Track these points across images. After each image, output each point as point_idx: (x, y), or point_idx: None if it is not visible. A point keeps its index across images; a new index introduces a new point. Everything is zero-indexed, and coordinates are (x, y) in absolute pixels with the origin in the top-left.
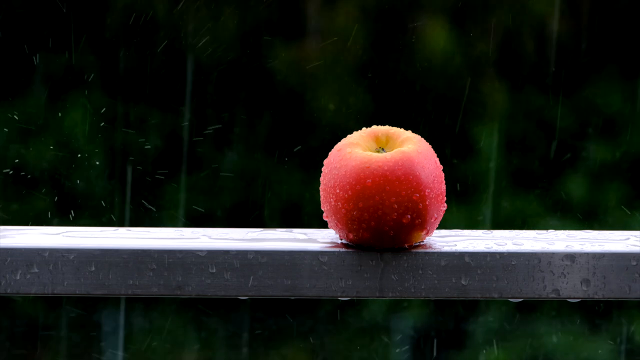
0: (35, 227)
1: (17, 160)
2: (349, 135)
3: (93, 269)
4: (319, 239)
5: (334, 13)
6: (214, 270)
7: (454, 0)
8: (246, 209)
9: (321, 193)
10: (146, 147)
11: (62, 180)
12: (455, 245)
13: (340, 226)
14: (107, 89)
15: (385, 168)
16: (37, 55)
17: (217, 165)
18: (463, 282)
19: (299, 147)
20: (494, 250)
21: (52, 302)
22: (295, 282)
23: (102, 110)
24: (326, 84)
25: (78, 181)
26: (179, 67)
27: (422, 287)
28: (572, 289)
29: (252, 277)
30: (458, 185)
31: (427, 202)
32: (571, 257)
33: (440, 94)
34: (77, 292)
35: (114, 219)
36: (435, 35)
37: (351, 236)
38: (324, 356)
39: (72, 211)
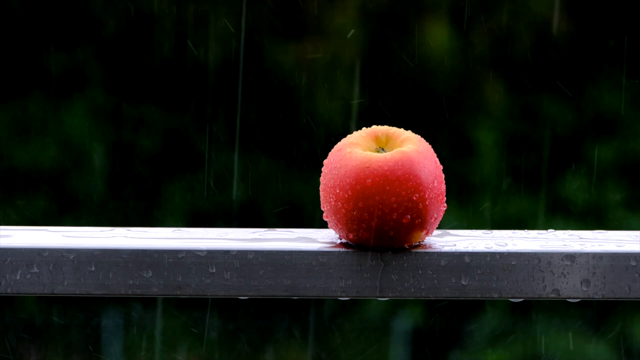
0: (35, 227)
1: (17, 160)
2: (348, 135)
3: (93, 269)
4: (319, 239)
5: (334, 13)
6: (214, 270)
7: (454, 0)
8: (246, 209)
9: (321, 193)
10: (146, 146)
11: (62, 180)
12: (455, 245)
13: (340, 226)
14: (108, 89)
15: (385, 168)
16: (38, 55)
17: (217, 165)
18: (463, 282)
19: (298, 147)
20: (494, 250)
21: (52, 302)
22: (295, 282)
23: (103, 110)
24: (326, 83)
25: (78, 181)
26: (179, 67)
27: (422, 287)
28: (572, 289)
29: (252, 277)
30: (458, 185)
31: (427, 202)
32: (571, 257)
33: (440, 94)
34: (77, 292)
35: (114, 219)
36: (435, 35)
37: (351, 236)
38: (324, 356)
39: (72, 211)
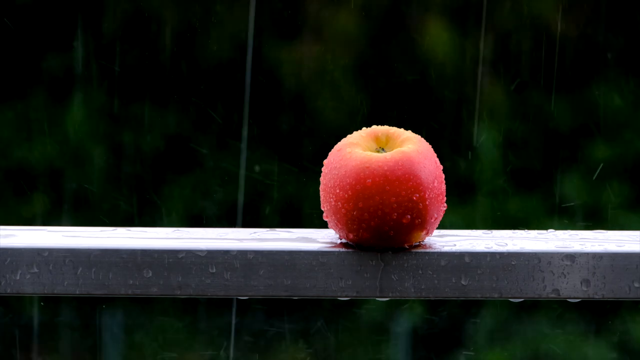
0: (35, 227)
1: (17, 160)
2: (348, 135)
3: (93, 269)
4: (319, 239)
5: (334, 13)
6: (214, 270)
7: (454, 0)
8: (245, 208)
9: (321, 193)
10: (146, 146)
11: (62, 180)
12: (455, 245)
13: (340, 226)
14: (108, 88)
15: (385, 168)
16: (38, 54)
17: (216, 165)
18: (463, 282)
19: (298, 147)
20: (494, 250)
21: (52, 302)
22: (295, 282)
23: (102, 110)
24: (326, 83)
25: (78, 181)
26: (179, 66)
27: (422, 287)
28: (572, 289)
29: (252, 277)
30: (458, 185)
31: (427, 202)
32: (571, 257)
33: (440, 94)
34: (77, 292)
35: (114, 219)
36: (435, 35)
37: (351, 236)
38: (324, 356)
39: (72, 211)
